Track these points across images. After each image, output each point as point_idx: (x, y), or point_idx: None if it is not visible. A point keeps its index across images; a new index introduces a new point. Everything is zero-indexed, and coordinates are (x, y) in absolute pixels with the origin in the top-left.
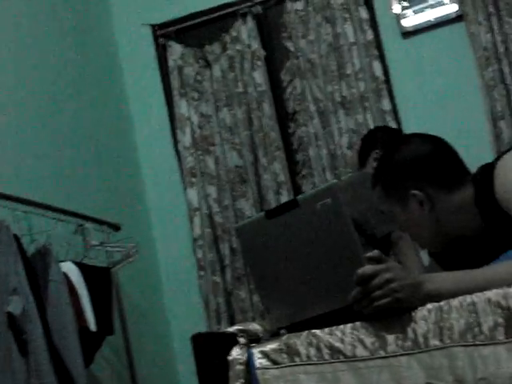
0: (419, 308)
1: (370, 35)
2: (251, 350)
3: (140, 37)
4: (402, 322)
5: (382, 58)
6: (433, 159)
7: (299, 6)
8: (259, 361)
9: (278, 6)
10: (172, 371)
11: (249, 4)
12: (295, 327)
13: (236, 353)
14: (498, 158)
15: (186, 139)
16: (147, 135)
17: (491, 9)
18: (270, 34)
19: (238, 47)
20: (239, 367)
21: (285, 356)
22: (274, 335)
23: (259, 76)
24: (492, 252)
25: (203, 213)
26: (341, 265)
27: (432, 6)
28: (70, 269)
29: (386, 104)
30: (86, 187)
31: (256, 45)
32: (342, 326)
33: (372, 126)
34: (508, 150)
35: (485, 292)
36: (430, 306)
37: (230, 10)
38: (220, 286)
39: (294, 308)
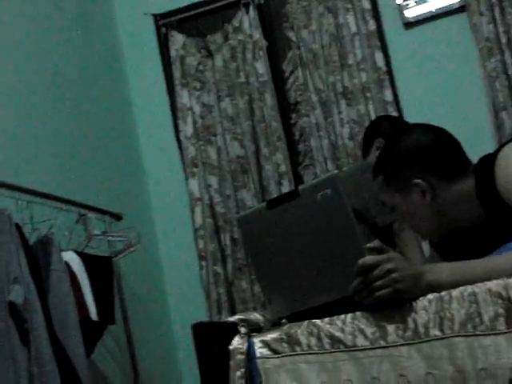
0: (420, 298)
1: (372, 25)
2: (252, 339)
3: (142, 26)
4: (403, 312)
5: (384, 49)
6: (435, 149)
7: None
8: (260, 350)
9: None
10: (173, 360)
11: None
12: (296, 317)
13: (237, 342)
14: (499, 149)
15: (187, 129)
16: (149, 125)
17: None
18: (272, 24)
19: (240, 37)
20: (240, 356)
21: (285, 345)
22: (274, 325)
23: (261, 66)
24: (492, 243)
25: (204, 203)
26: (341, 255)
27: None
28: (71, 258)
29: (387, 94)
30: (88, 177)
31: (258, 35)
32: (342, 316)
33: (374, 117)
34: (509, 141)
35: (485, 282)
36: (430, 296)
37: None
38: (221, 276)
39: (294, 298)
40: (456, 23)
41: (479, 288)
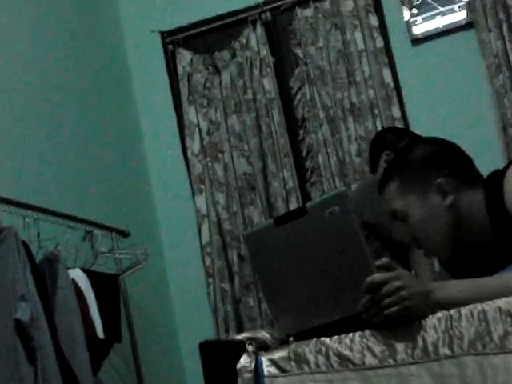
0: (429, 316)
1: (379, 42)
2: (260, 357)
3: (149, 44)
4: (412, 330)
5: (391, 65)
6: (453, 154)
7: (309, 12)
8: (268, 369)
9: (287, 12)
10: (180, 379)
11: (258, 11)
12: (304, 335)
13: (244, 361)
14: (508, 166)
15: (194, 146)
16: (156, 142)
17: (501, 16)
18: (280, 40)
19: (248, 54)
20: (247, 375)
21: (293, 364)
22: (282, 343)
23: (268, 83)
24: (502, 260)
25: (212, 220)
26: (350, 272)
27: (442, 14)
28: (78, 276)
29: (395, 111)
30: (95, 194)
31: (265, 51)
32: (350, 334)
33: None
34: None
35: (495, 300)
36: (439, 314)
37: (239, 16)
38: (228, 293)
39: (302, 316)
40: (464, 40)
41: (489, 306)
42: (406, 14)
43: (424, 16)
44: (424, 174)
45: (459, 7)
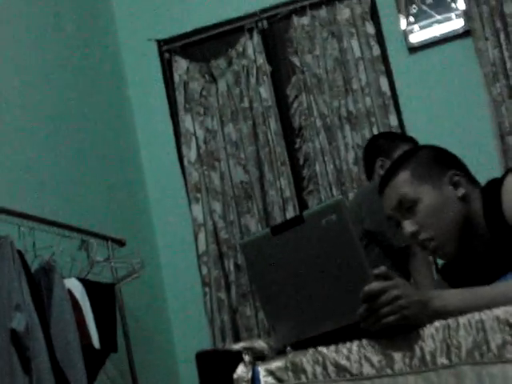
0: (427, 326)
1: (376, 50)
2: (256, 367)
3: (145, 52)
4: (410, 339)
5: (388, 74)
6: (455, 158)
7: (305, 20)
8: (264, 379)
9: (283, 21)
10: None
11: (255, 19)
12: (301, 345)
13: (241, 370)
14: (506, 174)
15: (191, 154)
16: (152, 150)
17: (498, 24)
18: (276, 49)
19: (244, 62)
20: None
21: (290, 374)
22: (279, 353)
23: (265, 91)
24: (499, 269)
25: (208, 229)
26: (347, 281)
27: (439, 22)
28: (73, 285)
29: (392, 119)
30: (91, 202)
31: (262, 60)
32: (348, 344)
33: None
34: None
35: (493, 310)
36: (437, 323)
37: (235, 25)
38: (225, 302)
39: (299, 325)
40: (461, 48)
41: (487, 315)
42: (403, 23)
43: (421, 24)
44: (435, 167)
45: (456, 15)
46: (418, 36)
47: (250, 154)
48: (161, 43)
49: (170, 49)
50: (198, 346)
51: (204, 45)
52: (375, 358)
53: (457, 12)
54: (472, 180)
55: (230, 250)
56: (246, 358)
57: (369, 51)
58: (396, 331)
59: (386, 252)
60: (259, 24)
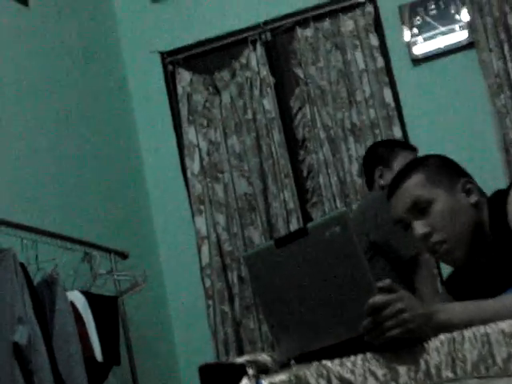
0: (431, 339)
1: (380, 62)
2: (260, 381)
3: (149, 64)
4: (414, 353)
5: (392, 85)
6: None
7: (309, 32)
8: None
9: (287, 32)
10: None
11: (258, 31)
12: (305, 358)
13: None
14: (511, 185)
15: (194, 166)
16: (156, 162)
17: (502, 36)
18: (280, 60)
19: (248, 74)
20: None
21: None
22: (283, 366)
23: (268, 103)
24: (504, 282)
25: (211, 241)
26: (351, 294)
27: (443, 33)
28: (76, 298)
29: (396, 131)
30: (94, 215)
31: (265, 72)
32: (352, 357)
33: None
34: None
35: (498, 323)
36: (442, 336)
37: (239, 36)
38: (228, 315)
39: (303, 338)
40: (465, 60)
41: (492, 328)
42: (407, 34)
43: (425, 36)
44: (448, 174)
45: (460, 27)
46: (421, 48)
47: (254, 165)
48: (164, 55)
49: (173, 61)
50: (201, 359)
51: (207, 57)
52: (380, 372)
53: (461, 24)
54: (480, 190)
55: (234, 263)
56: (250, 371)
57: (373, 63)
58: (400, 344)
59: (392, 264)
60: (263, 36)
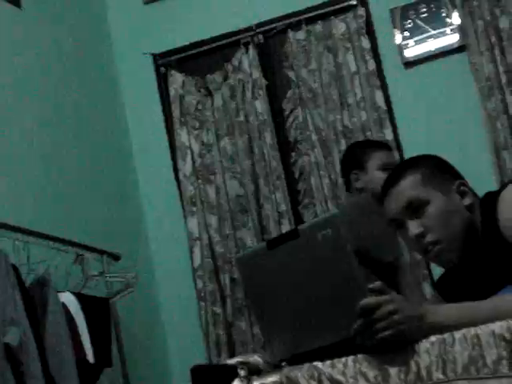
0: (422, 340)
1: (371, 65)
2: (252, 382)
3: (141, 66)
4: (405, 354)
5: (383, 88)
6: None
7: (301, 35)
8: None
9: (279, 35)
10: None
11: (251, 33)
12: (296, 359)
13: None
14: (502, 188)
15: (186, 168)
16: (148, 163)
17: (493, 39)
18: (272, 63)
19: (240, 76)
20: None
21: None
22: (275, 367)
23: (261, 105)
24: (495, 284)
25: (203, 242)
26: (342, 296)
27: (434, 37)
28: (68, 299)
29: (387, 133)
30: (86, 217)
31: (257, 74)
32: (343, 359)
33: None
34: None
35: (489, 324)
36: (433, 338)
37: (231, 39)
38: (220, 316)
39: (295, 340)
40: (456, 63)
41: (482, 330)
42: (398, 37)
43: (416, 39)
44: (443, 175)
45: (451, 30)
46: (413, 51)
47: (246, 167)
48: (156, 57)
49: (165, 63)
50: (193, 361)
51: (200, 59)
52: (371, 373)
53: (452, 27)
54: (473, 192)
55: (226, 264)
56: (242, 372)
57: (364, 66)
58: (391, 346)
59: (373, 270)
60: (255, 38)
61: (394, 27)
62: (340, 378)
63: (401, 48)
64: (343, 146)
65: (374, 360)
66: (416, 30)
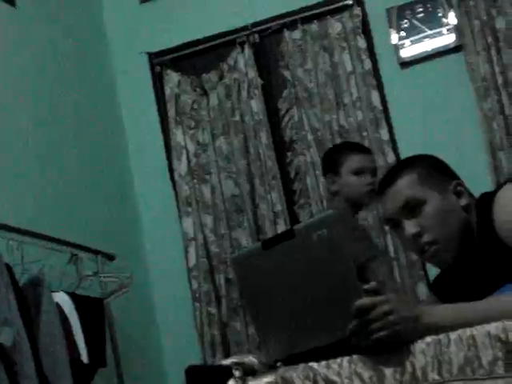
0: (418, 341)
1: (367, 65)
2: (247, 383)
3: (136, 65)
4: (400, 355)
5: (379, 88)
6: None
7: (297, 35)
8: None
9: (275, 34)
10: None
11: (246, 33)
12: (292, 360)
13: None
14: (497, 189)
15: (181, 168)
16: (143, 163)
17: (490, 39)
18: (268, 62)
19: (235, 76)
20: None
21: None
22: (270, 368)
23: (256, 105)
24: (490, 285)
25: (199, 242)
26: (338, 296)
27: (430, 37)
28: (62, 299)
29: (383, 133)
30: (80, 216)
31: (253, 73)
32: (339, 360)
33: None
34: (508, 180)
35: (484, 325)
36: (428, 339)
37: (227, 38)
38: (215, 317)
39: (290, 340)
40: (452, 63)
41: (478, 331)
42: (395, 37)
43: (412, 39)
44: (439, 175)
45: (447, 30)
46: (409, 51)
47: (241, 167)
48: (152, 56)
49: (161, 62)
50: (188, 361)
51: (195, 58)
52: (366, 374)
53: (448, 27)
54: (470, 192)
55: (221, 264)
56: (237, 373)
57: (360, 65)
58: (387, 347)
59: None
60: (251, 38)
61: (390, 27)
62: (335, 378)
63: (397, 48)
64: None
65: (370, 361)
66: (412, 29)
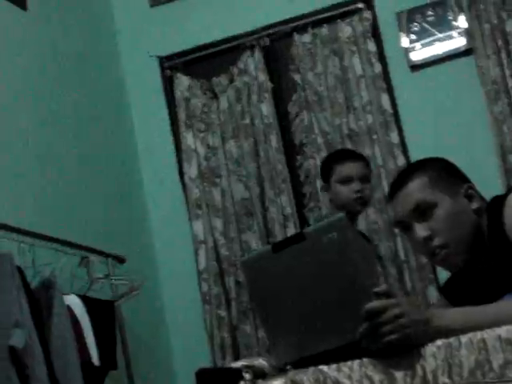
0: (428, 344)
1: (377, 68)
2: None
3: (147, 68)
4: (411, 358)
5: (390, 91)
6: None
7: (307, 38)
8: None
9: (285, 38)
10: None
11: (256, 36)
12: (302, 363)
13: None
14: (508, 192)
15: (192, 171)
16: (153, 166)
17: (500, 42)
18: (278, 66)
19: (246, 79)
20: None
21: None
22: (280, 371)
23: (266, 108)
24: (500, 288)
25: (209, 245)
26: (348, 299)
27: (441, 40)
28: (73, 302)
29: (393, 137)
30: (91, 219)
31: (263, 77)
32: (349, 363)
33: (380, 160)
34: None
35: (495, 329)
36: (439, 342)
37: (237, 42)
38: (225, 320)
39: (300, 343)
40: (462, 66)
41: (489, 334)
42: (405, 41)
43: (423, 42)
44: (450, 178)
45: (458, 34)
46: (419, 54)
47: (251, 170)
48: (162, 60)
49: (171, 65)
50: (198, 364)
51: (205, 62)
52: (377, 377)
53: (458, 30)
54: (481, 196)
55: (231, 267)
56: (247, 376)
57: (370, 69)
58: (397, 350)
59: None
60: (261, 41)
61: (401, 30)
62: (346, 381)
63: (407, 51)
64: None
65: (380, 364)
66: (423, 33)
